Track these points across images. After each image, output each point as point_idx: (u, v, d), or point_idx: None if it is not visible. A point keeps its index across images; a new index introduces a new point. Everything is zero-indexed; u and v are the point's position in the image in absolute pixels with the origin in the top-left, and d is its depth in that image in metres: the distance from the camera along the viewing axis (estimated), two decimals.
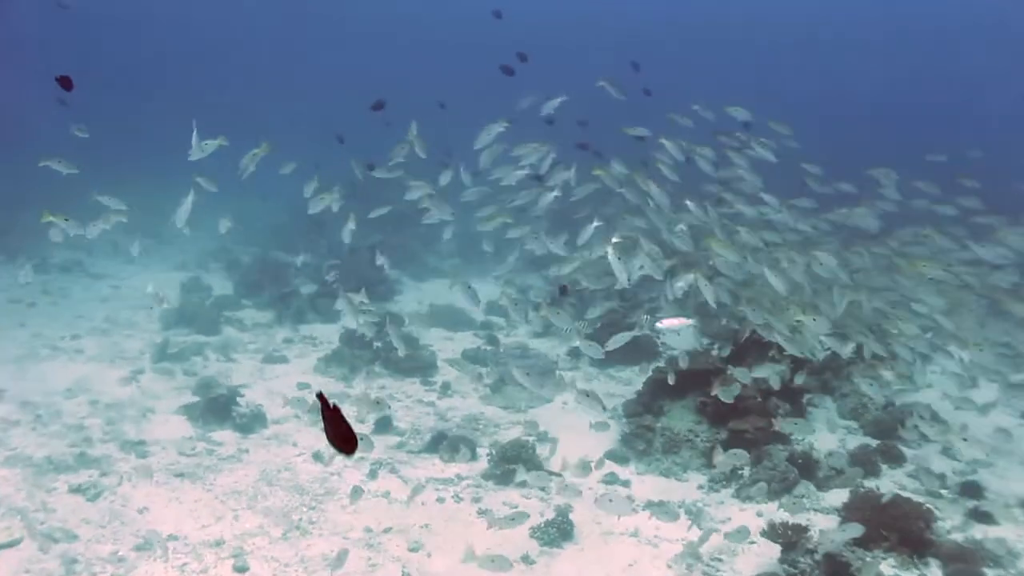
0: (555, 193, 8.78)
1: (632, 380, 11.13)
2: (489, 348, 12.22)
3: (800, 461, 8.17)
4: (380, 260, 10.47)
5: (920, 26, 47.77)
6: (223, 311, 13.56)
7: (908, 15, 47.63)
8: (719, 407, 8.41)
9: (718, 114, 10.65)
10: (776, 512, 7.28)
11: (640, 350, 11.86)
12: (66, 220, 7.44)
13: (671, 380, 8.60)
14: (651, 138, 9.57)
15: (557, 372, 11.31)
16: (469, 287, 7.57)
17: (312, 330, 13.00)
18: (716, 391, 7.91)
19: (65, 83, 7.53)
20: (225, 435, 8.64)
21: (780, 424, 7.89)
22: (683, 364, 8.59)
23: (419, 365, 11.03)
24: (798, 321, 7.52)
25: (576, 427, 9.13)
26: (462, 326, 13.51)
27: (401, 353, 8.86)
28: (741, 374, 8.04)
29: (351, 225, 8.76)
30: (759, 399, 8.75)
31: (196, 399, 9.20)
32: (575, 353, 12.15)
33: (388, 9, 52.03)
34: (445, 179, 9.39)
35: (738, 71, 41.82)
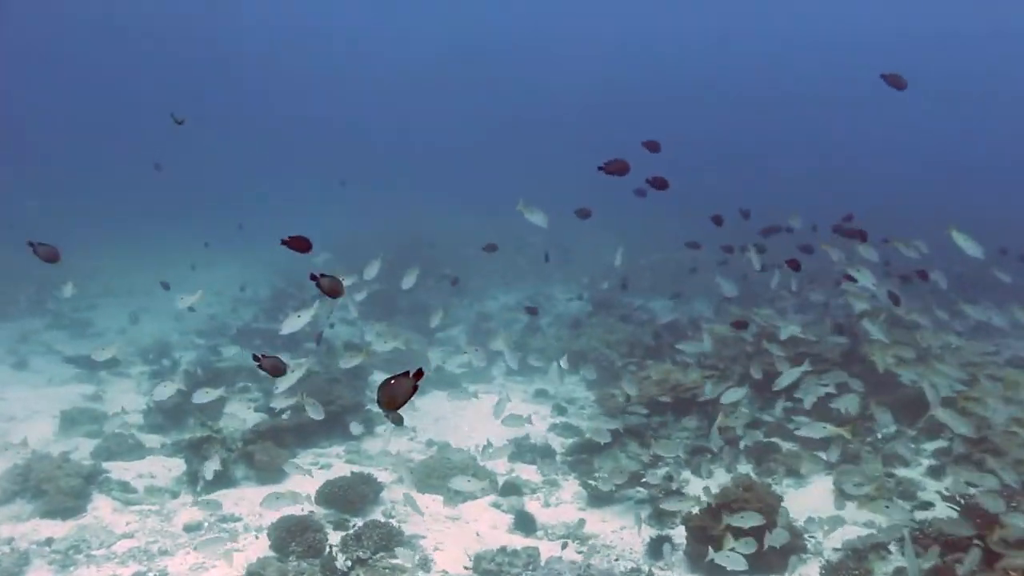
0: None
1: None
2: (519, 545, 7.31)
3: None
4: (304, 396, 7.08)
5: None
6: (110, 461, 8.85)
7: None
8: None
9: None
10: None
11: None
12: None
13: None
14: None
15: None
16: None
17: (239, 500, 8.13)
18: None
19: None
20: None
21: None
22: None
23: None
24: None
25: None
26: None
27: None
28: None
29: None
30: None
31: None
32: (661, 547, 7.28)
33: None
34: None
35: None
